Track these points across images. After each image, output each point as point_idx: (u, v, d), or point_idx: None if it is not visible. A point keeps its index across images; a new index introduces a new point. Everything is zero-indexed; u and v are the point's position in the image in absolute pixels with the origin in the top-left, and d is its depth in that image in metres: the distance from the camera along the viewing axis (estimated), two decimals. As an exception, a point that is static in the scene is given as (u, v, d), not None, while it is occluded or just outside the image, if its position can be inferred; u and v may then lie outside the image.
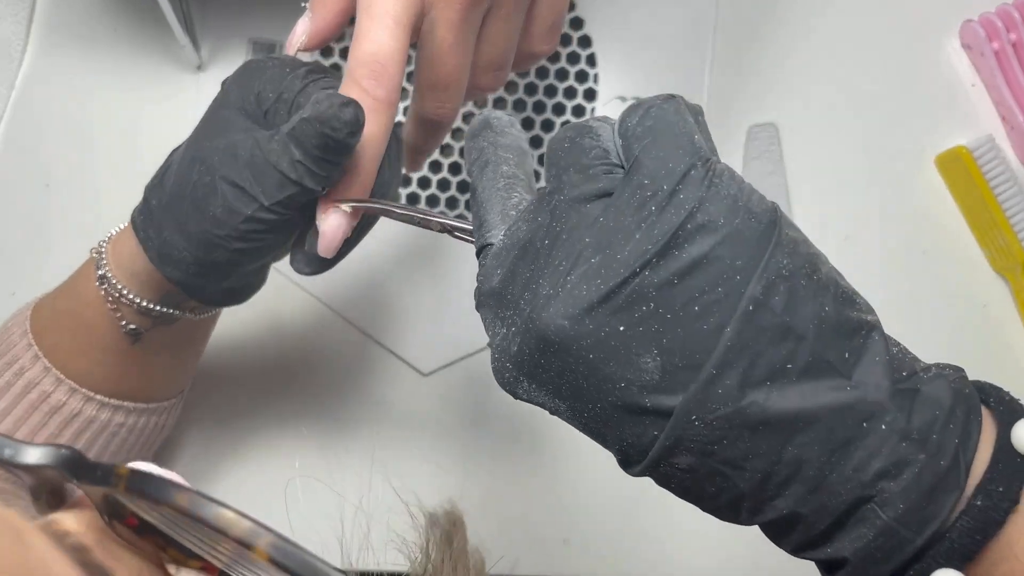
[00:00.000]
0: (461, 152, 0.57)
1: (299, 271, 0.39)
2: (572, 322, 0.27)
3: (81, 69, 0.56)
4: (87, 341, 0.41)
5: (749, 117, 0.58)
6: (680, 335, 0.26)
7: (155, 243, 0.38)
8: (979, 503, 0.26)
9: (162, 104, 0.56)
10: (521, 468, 0.56)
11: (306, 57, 0.40)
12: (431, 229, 0.35)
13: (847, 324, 0.27)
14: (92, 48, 0.56)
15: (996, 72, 0.57)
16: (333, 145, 0.34)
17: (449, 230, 0.34)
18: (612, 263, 0.26)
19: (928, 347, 0.61)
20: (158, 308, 0.40)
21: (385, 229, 0.56)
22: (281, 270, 0.56)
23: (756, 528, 0.30)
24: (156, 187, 0.39)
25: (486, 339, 0.58)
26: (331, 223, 0.36)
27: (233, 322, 0.55)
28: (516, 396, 0.30)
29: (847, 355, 0.27)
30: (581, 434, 0.42)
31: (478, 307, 0.31)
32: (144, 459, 0.47)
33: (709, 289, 0.26)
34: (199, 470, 0.54)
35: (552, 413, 0.30)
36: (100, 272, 0.40)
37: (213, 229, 0.36)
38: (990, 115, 0.59)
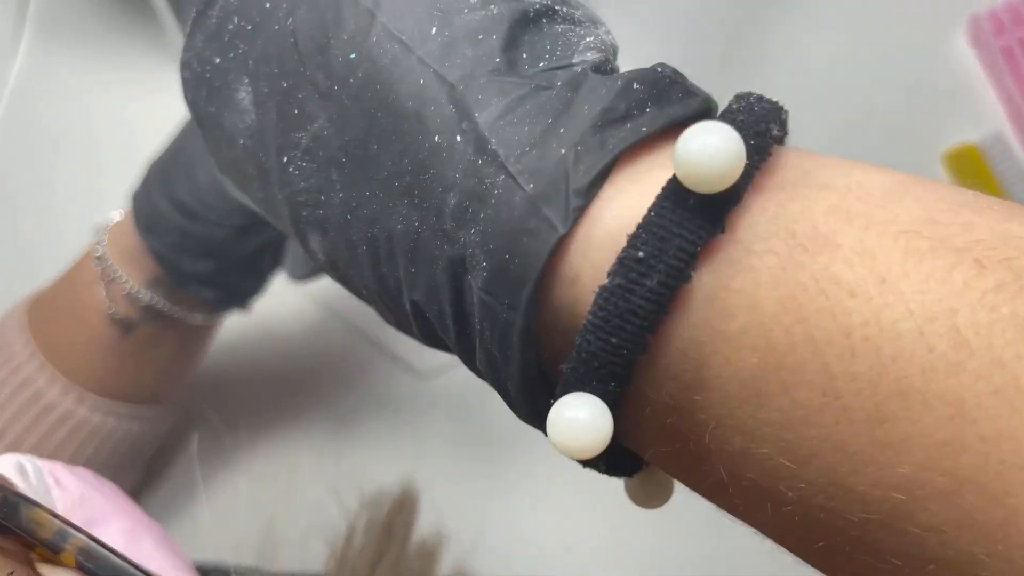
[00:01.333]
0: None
1: (292, 276, 0.39)
2: (188, 71, 0.22)
3: (75, 64, 0.56)
4: (81, 330, 0.41)
5: (753, 114, 0.58)
6: (258, 48, 0.20)
7: (143, 212, 0.38)
8: (615, 281, 0.16)
9: (157, 98, 0.56)
10: (522, 468, 0.55)
11: None
12: None
13: None
14: (87, 45, 0.56)
15: (1004, 68, 0.57)
16: None
17: None
18: None
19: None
20: (147, 295, 0.40)
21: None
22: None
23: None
24: (156, 159, 0.39)
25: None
26: None
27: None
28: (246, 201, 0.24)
29: (435, 32, 0.19)
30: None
31: None
32: (135, 467, 0.47)
33: None
34: (192, 472, 0.53)
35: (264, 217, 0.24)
36: (98, 255, 0.40)
37: (194, 193, 0.36)
38: (998, 112, 0.58)
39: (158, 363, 0.43)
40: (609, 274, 0.16)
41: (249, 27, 0.20)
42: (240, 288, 0.41)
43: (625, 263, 0.16)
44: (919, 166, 0.58)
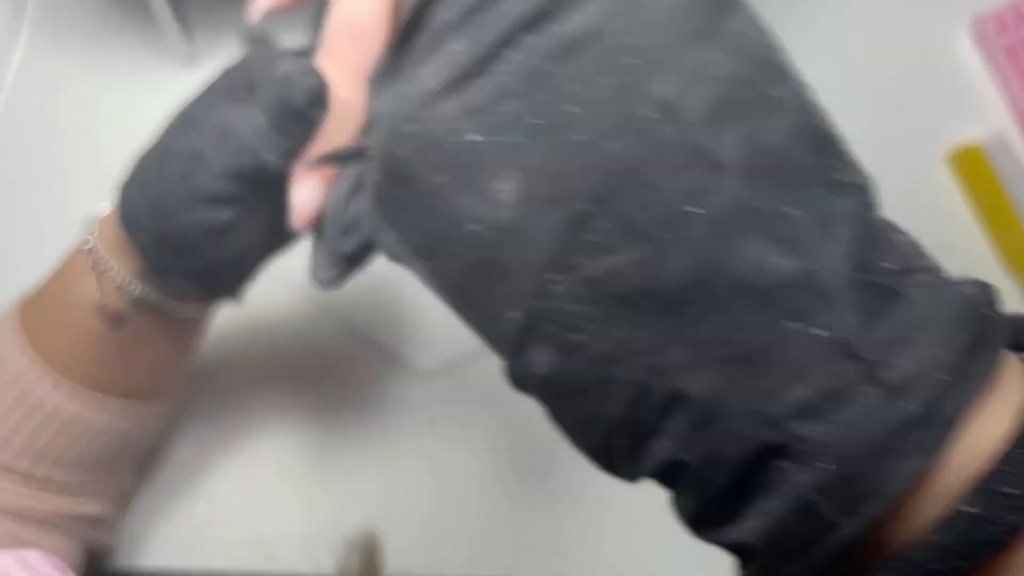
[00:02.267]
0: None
1: (317, 284, 0.38)
2: (418, 127, 0.20)
3: (74, 65, 0.56)
4: (71, 324, 0.40)
5: (754, 114, 0.57)
6: (546, 149, 0.18)
7: (125, 206, 0.37)
8: (974, 509, 0.17)
9: (155, 98, 0.55)
10: (522, 469, 0.55)
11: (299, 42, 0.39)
12: None
13: (806, 169, 0.19)
14: (85, 44, 0.56)
15: (1008, 69, 0.56)
16: (291, 111, 0.32)
17: None
18: (473, 45, 0.20)
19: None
20: (137, 286, 0.39)
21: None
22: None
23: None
24: (142, 154, 0.39)
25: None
26: (300, 194, 0.33)
27: (222, 313, 0.54)
28: (388, 255, 0.23)
29: (792, 212, 0.18)
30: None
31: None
32: (127, 468, 0.46)
33: (591, 80, 0.18)
34: (188, 476, 0.53)
35: (431, 288, 0.23)
36: (88, 247, 0.40)
37: (164, 195, 0.35)
38: (1002, 112, 0.58)
39: (149, 357, 0.43)
40: (976, 500, 0.17)
41: (537, 123, 0.19)
42: (223, 283, 0.41)
43: (997, 499, 0.17)
44: (923, 166, 0.58)
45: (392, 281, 0.56)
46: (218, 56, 0.56)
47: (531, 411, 0.56)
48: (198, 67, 0.56)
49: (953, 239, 0.57)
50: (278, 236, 0.39)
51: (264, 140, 0.33)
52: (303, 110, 0.32)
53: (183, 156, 0.35)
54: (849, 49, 0.58)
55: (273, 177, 0.34)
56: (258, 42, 0.56)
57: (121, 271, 0.39)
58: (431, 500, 0.54)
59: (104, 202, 0.41)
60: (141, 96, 0.56)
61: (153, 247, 0.37)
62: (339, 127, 0.34)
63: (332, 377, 0.55)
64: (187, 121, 0.36)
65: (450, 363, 0.55)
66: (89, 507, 0.44)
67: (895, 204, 0.57)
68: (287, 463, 0.54)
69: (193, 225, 0.36)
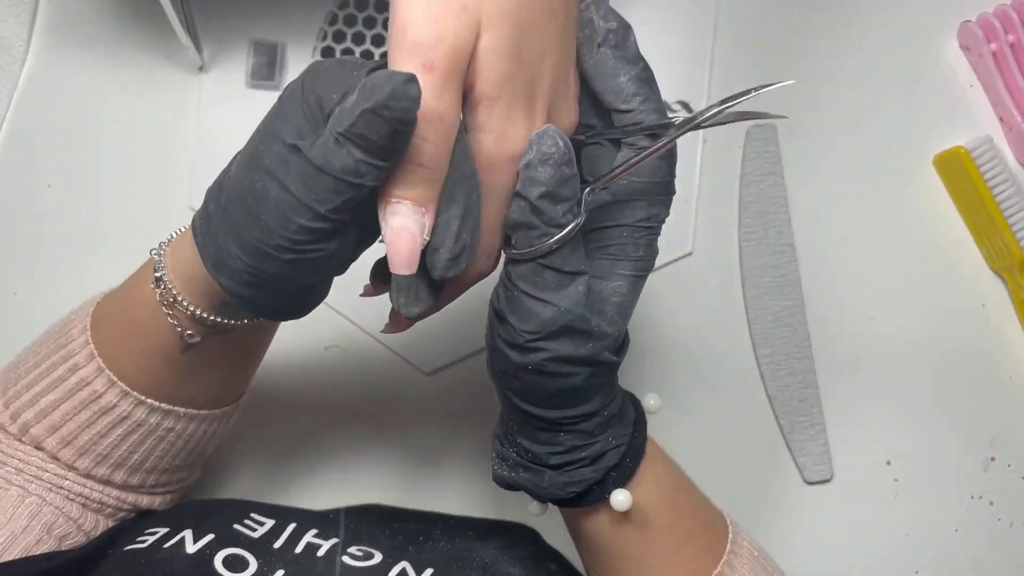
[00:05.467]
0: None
1: (408, 315, 0.36)
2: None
3: (83, 70, 0.56)
4: (140, 344, 0.40)
5: (748, 118, 0.58)
6: None
7: (211, 250, 0.35)
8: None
9: (164, 105, 0.56)
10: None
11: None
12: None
13: None
14: (94, 49, 0.57)
15: (994, 73, 0.58)
16: (402, 129, 0.30)
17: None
18: None
19: (925, 345, 0.61)
20: (212, 318, 0.39)
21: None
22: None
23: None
24: (214, 191, 0.36)
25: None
26: (395, 224, 0.32)
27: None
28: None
29: None
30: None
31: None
32: (192, 467, 0.47)
33: None
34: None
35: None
36: (157, 274, 0.39)
37: (265, 239, 0.33)
38: (988, 116, 0.59)
39: (220, 370, 0.43)
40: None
41: None
42: (310, 300, 0.39)
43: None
44: (911, 168, 0.59)
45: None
46: (225, 63, 0.57)
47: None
48: (205, 74, 0.56)
49: (942, 239, 0.59)
50: (358, 251, 0.37)
51: (367, 168, 0.31)
52: (398, 126, 0.30)
53: (274, 199, 0.32)
54: (839, 53, 0.59)
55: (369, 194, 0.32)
56: (265, 51, 0.56)
57: (195, 305, 0.38)
58: (434, 485, 0.55)
59: (175, 229, 0.40)
60: (150, 102, 0.57)
61: (246, 288, 0.35)
62: (428, 135, 0.31)
63: (343, 378, 0.56)
64: (264, 157, 0.33)
65: (448, 363, 0.56)
66: (148, 501, 0.45)
67: (887, 206, 0.59)
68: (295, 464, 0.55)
69: (295, 261, 0.33)
